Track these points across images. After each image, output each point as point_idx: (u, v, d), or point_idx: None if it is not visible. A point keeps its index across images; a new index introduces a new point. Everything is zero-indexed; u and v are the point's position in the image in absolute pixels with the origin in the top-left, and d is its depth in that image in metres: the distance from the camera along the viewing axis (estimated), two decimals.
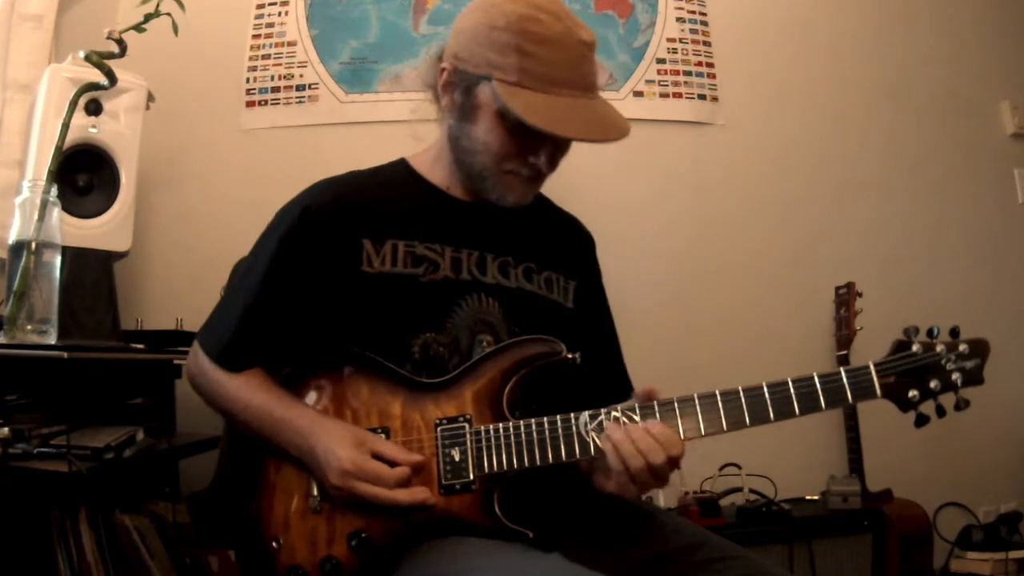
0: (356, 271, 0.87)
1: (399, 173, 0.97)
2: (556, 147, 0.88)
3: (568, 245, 1.01)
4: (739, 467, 1.63)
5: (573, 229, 1.05)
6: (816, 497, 1.65)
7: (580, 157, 1.81)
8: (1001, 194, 1.98)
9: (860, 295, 1.69)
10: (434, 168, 0.96)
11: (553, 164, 0.89)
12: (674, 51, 1.82)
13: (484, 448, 0.79)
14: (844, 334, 1.68)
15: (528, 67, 0.83)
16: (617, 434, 0.76)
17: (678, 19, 1.83)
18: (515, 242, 0.94)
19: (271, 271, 0.88)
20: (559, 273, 0.97)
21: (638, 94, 1.79)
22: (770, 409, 0.77)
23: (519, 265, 0.93)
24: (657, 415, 0.78)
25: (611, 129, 0.87)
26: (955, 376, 0.77)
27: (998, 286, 1.92)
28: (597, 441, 0.78)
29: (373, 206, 0.91)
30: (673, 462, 0.76)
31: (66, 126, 1.21)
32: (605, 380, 0.98)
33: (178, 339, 1.32)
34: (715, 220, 1.83)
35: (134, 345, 1.30)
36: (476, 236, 0.92)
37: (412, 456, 0.79)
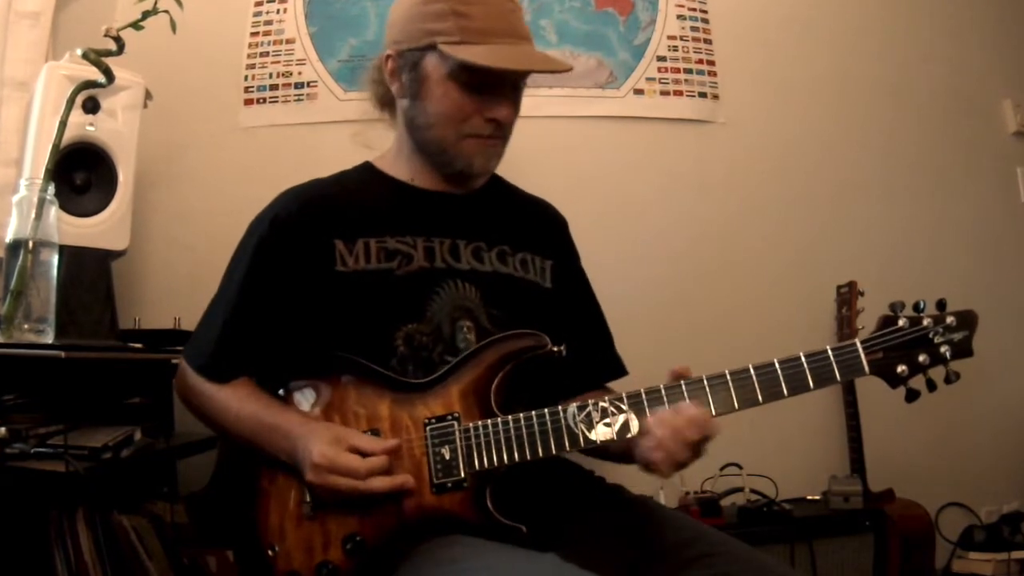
0: (331, 272, 0.88)
1: (363, 174, 0.99)
2: (508, 98, 0.90)
3: (540, 226, 1.02)
4: (740, 467, 1.62)
5: (544, 210, 1.06)
6: (817, 497, 1.64)
7: (581, 156, 1.81)
8: (1003, 193, 1.98)
9: (862, 294, 1.68)
10: (396, 164, 0.98)
11: (509, 117, 0.91)
12: (675, 49, 1.81)
13: (474, 445, 0.80)
14: (846, 333, 1.67)
15: (466, 25, 0.86)
16: (668, 419, 0.77)
17: (679, 16, 1.82)
18: (486, 226, 0.95)
19: (247, 282, 0.89)
20: (534, 254, 0.97)
21: (638, 92, 1.79)
22: (758, 391, 0.77)
23: (492, 248, 0.94)
24: (666, 402, 0.79)
25: (555, 63, 0.92)
26: (944, 349, 0.76)
27: (1000, 285, 1.91)
28: (587, 433, 0.78)
29: (341, 207, 0.92)
30: (708, 439, 0.77)
31: (63, 124, 1.21)
32: (593, 358, 0.98)
33: (176, 338, 1.31)
34: (716, 219, 1.82)
35: (132, 344, 1.29)
36: (446, 224, 0.93)
37: (385, 443, 0.79)
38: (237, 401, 0.86)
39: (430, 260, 0.90)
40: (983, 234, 1.93)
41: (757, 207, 1.84)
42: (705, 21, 1.84)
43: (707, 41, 1.84)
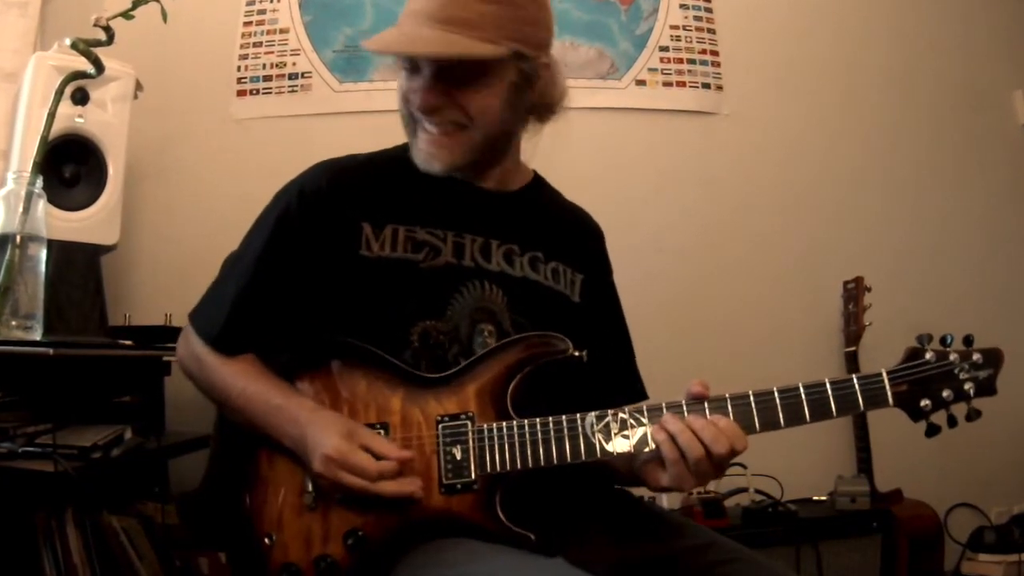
0: (354, 255, 0.85)
1: (402, 156, 0.94)
2: (414, 82, 0.86)
3: (577, 237, 0.99)
4: (744, 467, 1.59)
5: (582, 221, 1.03)
6: (823, 498, 1.63)
7: (581, 149, 1.78)
8: (1013, 186, 1.95)
9: (869, 290, 1.66)
10: None
11: (422, 101, 0.85)
12: (677, 39, 1.79)
13: (487, 447, 0.77)
14: (853, 330, 1.65)
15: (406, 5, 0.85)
16: (673, 425, 0.75)
17: (681, 6, 1.81)
18: (522, 230, 0.92)
19: (266, 253, 0.86)
20: (567, 265, 0.94)
21: (640, 83, 1.77)
22: (781, 415, 0.76)
23: (525, 254, 0.91)
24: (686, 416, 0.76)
25: (423, 43, 0.83)
26: (968, 386, 0.75)
27: (1010, 280, 1.89)
28: (604, 444, 0.76)
29: (373, 189, 0.89)
30: (734, 454, 0.75)
31: (52, 116, 1.19)
32: (613, 379, 0.95)
33: (167, 335, 1.29)
34: (720, 213, 1.80)
35: (122, 341, 1.28)
36: (481, 221, 0.90)
37: (401, 452, 0.77)
38: (244, 378, 0.83)
39: (458, 257, 0.87)
40: (992, 228, 1.91)
41: (762, 201, 1.82)
42: (708, 11, 1.82)
43: (710, 31, 1.82)
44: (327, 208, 0.86)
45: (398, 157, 0.94)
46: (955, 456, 1.76)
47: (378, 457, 0.75)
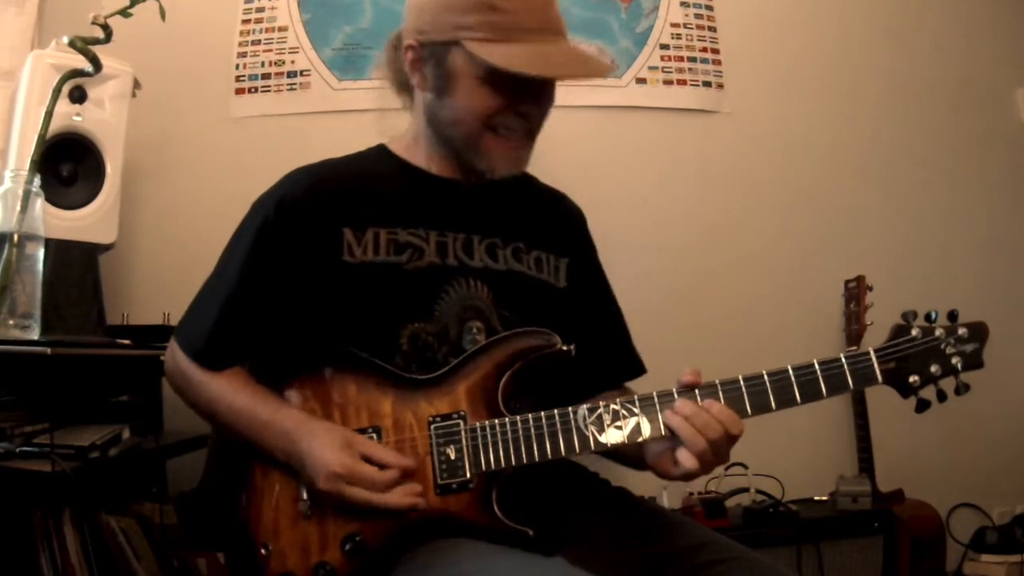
0: (337, 262, 0.85)
1: (378, 158, 0.95)
2: (543, 93, 0.86)
3: (557, 222, 0.99)
4: (745, 467, 1.59)
5: (561, 205, 1.03)
6: (825, 498, 1.62)
7: (582, 147, 1.78)
8: (1015, 184, 1.95)
9: (871, 289, 1.65)
10: (413, 149, 0.94)
11: (542, 112, 0.87)
12: (678, 37, 1.78)
13: (480, 445, 0.77)
14: (854, 329, 1.64)
15: (495, 21, 0.81)
16: (688, 408, 0.75)
17: (682, 3, 1.80)
18: (502, 221, 0.92)
19: (248, 265, 0.86)
20: (549, 252, 0.94)
21: (641, 81, 1.76)
22: (771, 398, 0.76)
23: (507, 245, 0.91)
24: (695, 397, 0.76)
25: (593, 66, 0.88)
26: (955, 360, 0.76)
27: (1013, 279, 1.88)
28: (597, 436, 0.76)
29: (352, 193, 0.89)
30: (731, 439, 0.75)
31: (49, 114, 1.19)
32: (610, 357, 0.96)
33: (165, 334, 1.27)
34: (720, 211, 1.79)
35: (120, 341, 1.27)
36: (462, 217, 0.90)
37: (403, 459, 0.77)
38: (231, 392, 0.83)
39: (442, 256, 0.87)
40: (994, 227, 1.91)
41: (763, 199, 1.81)
42: (709, 8, 1.82)
43: (711, 29, 1.81)
44: (307, 217, 0.85)
45: (375, 159, 0.94)
46: (957, 456, 1.76)
47: (380, 466, 0.75)
